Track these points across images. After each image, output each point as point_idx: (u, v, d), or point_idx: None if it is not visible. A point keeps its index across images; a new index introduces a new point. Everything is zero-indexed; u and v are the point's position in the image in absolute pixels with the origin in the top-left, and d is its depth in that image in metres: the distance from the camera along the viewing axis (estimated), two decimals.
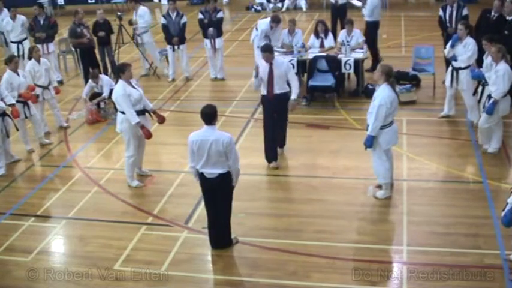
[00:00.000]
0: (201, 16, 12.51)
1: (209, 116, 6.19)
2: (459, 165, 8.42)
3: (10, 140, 9.18)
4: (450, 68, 9.56)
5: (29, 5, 14.31)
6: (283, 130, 8.91)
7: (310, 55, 11.17)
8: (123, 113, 7.83)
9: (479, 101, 8.90)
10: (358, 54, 11.07)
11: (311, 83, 10.89)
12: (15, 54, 11.57)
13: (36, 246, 6.96)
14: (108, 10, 18.85)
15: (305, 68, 11.26)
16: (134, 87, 7.91)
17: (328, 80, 10.83)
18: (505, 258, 6.14)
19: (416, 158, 8.58)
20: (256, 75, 8.36)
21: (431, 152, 8.79)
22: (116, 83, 8.20)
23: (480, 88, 8.78)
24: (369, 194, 7.66)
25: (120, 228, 7.26)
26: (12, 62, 9.40)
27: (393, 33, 15.98)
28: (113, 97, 7.95)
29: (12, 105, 8.88)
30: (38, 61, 9.95)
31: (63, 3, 22.09)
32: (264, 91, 8.51)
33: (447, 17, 11.03)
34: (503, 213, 5.83)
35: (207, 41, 12.56)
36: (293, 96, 8.46)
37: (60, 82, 12.74)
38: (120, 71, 7.89)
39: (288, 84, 8.52)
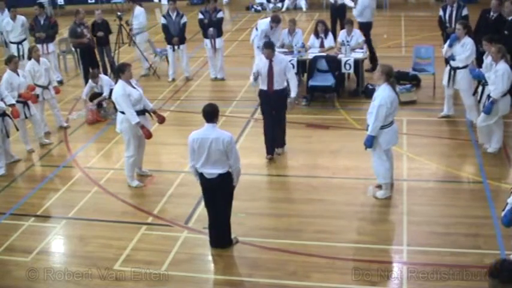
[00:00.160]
0: (201, 16, 12.51)
1: (210, 113, 6.20)
2: (459, 165, 8.42)
3: (10, 140, 9.18)
4: (448, 68, 9.57)
5: (30, 5, 14.32)
6: (283, 130, 8.94)
7: (310, 55, 11.17)
8: (123, 113, 7.83)
9: (479, 101, 8.90)
10: (358, 54, 11.07)
11: (311, 83, 10.90)
12: (15, 54, 11.55)
13: (36, 246, 6.96)
14: (108, 10, 18.88)
15: (305, 68, 11.26)
16: (134, 87, 7.91)
17: (328, 80, 10.83)
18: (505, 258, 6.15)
19: (416, 158, 8.58)
20: (255, 79, 8.54)
21: (431, 152, 8.79)
22: (116, 83, 8.19)
23: (480, 88, 8.78)
24: (369, 194, 7.66)
25: (120, 228, 7.26)
26: (11, 62, 9.40)
27: (393, 33, 15.99)
28: (113, 97, 7.95)
29: (12, 105, 8.88)
30: (38, 61, 9.95)
31: (63, 3, 22.09)
32: (263, 86, 8.61)
33: (447, 17, 11.03)
34: (503, 214, 5.82)
35: (207, 41, 12.56)
36: (292, 94, 8.60)
37: (60, 82, 12.74)
38: (119, 71, 7.89)
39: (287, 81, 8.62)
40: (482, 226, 6.78)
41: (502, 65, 8.11)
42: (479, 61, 9.60)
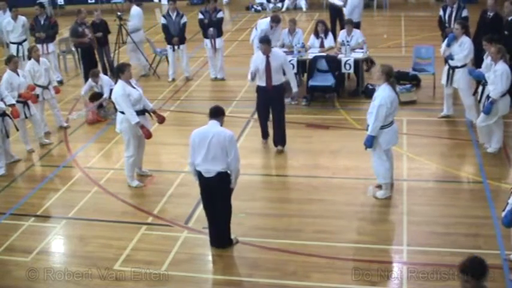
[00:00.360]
0: (201, 16, 12.51)
1: (215, 111, 6.34)
2: (459, 165, 8.43)
3: (10, 140, 9.18)
4: (446, 67, 9.58)
5: (30, 5, 14.31)
6: (282, 129, 8.99)
7: (310, 55, 11.17)
8: (122, 113, 7.84)
9: (479, 101, 8.90)
10: (358, 54, 11.07)
11: (311, 83, 10.89)
12: (15, 55, 11.54)
13: (36, 246, 6.96)
14: (108, 10, 18.89)
15: (305, 68, 11.26)
16: (134, 87, 7.91)
17: (328, 80, 10.83)
18: (505, 258, 6.15)
19: (416, 158, 8.59)
20: (253, 79, 8.79)
21: (431, 152, 8.79)
22: (116, 83, 8.19)
23: (480, 88, 8.78)
24: (369, 194, 7.66)
25: (120, 228, 7.26)
26: (11, 62, 9.40)
27: (393, 33, 15.99)
28: (113, 97, 7.95)
29: (12, 105, 8.88)
30: (38, 61, 9.95)
31: (63, 3, 22.08)
32: (261, 82, 8.73)
33: (446, 18, 11.03)
34: (503, 214, 5.83)
35: (207, 41, 12.56)
36: (294, 88, 9.03)
37: (60, 82, 12.73)
38: (119, 71, 7.90)
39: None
40: (482, 226, 6.78)
41: (501, 65, 8.12)
42: (477, 61, 9.60)
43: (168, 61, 13.08)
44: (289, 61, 10.77)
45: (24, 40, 12.94)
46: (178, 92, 12.20)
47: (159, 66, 13.47)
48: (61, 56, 14.21)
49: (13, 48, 12.81)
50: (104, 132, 10.34)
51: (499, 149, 8.57)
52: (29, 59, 10.05)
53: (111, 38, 13.00)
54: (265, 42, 8.65)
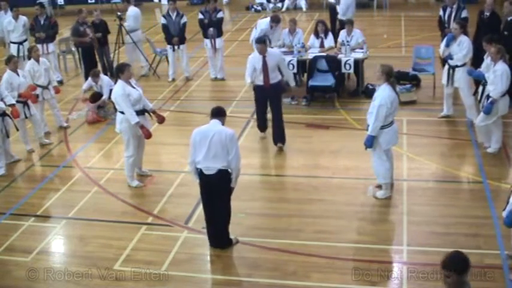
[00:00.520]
0: (201, 16, 12.51)
1: (217, 111, 6.40)
2: (459, 165, 8.43)
3: (10, 140, 9.18)
4: (446, 67, 9.58)
5: (30, 5, 14.30)
6: (281, 127, 9.10)
7: (310, 55, 11.17)
8: (122, 113, 7.84)
9: (479, 101, 8.90)
10: (358, 54, 11.07)
11: (311, 83, 10.89)
12: (16, 55, 11.54)
13: (36, 246, 6.96)
14: (108, 10, 18.87)
15: (305, 68, 11.26)
16: (133, 87, 7.91)
17: (328, 80, 10.83)
18: (506, 257, 6.14)
19: (416, 158, 8.59)
20: (252, 82, 9.06)
21: (431, 152, 8.79)
22: (116, 83, 8.19)
23: (481, 88, 8.78)
24: (369, 194, 7.66)
25: (120, 228, 7.26)
26: (11, 62, 9.39)
27: (393, 33, 15.99)
28: (112, 97, 7.95)
29: (12, 105, 8.88)
30: (37, 61, 9.95)
31: (63, 3, 22.09)
32: (258, 81, 8.93)
33: (446, 18, 11.03)
34: (505, 214, 5.82)
35: (207, 41, 12.56)
36: (292, 83, 9.51)
37: (60, 82, 12.73)
38: (119, 71, 7.90)
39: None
40: (482, 226, 6.78)
41: (501, 65, 8.12)
42: (477, 61, 9.60)
43: (168, 61, 13.08)
44: (289, 61, 10.90)
45: (25, 40, 12.94)
46: (178, 92, 12.20)
47: (159, 66, 13.47)
48: (61, 56, 14.20)
49: (14, 48, 12.81)
50: (104, 132, 10.34)
51: (498, 149, 8.57)
52: (29, 58, 10.06)
53: (111, 38, 12.99)
54: (261, 42, 8.91)
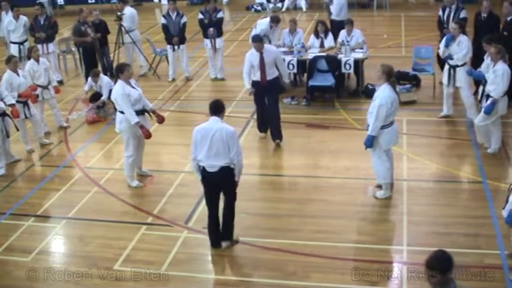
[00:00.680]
0: (201, 16, 12.51)
1: (215, 107, 6.37)
2: (459, 165, 8.43)
3: (10, 140, 9.18)
4: (447, 67, 9.58)
5: (30, 5, 14.30)
6: (277, 122, 9.23)
7: (310, 55, 11.17)
8: (122, 112, 7.84)
9: (479, 101, 8.90)
10: (358, 54, 11.07)
11: (311, 83, 10.89)
12: (16, 55, 11.53)
13: (36, 246, 6.96)
14: (108, 10, 18.88)
15: (305, 68, 11.26)
16: (133, 87, 7.91)
17: (328, 80, 10.83)
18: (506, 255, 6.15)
19: (416, 158, 8.59)
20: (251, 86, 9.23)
21: (431, 152, 8.79)
22: (115, 83, 8.19)
23: (481, 88, 8.78)
24: (369, 194, 7.66)
25: (120, 228, 7.26)
26: (11, 62, 9.39)
27: (393, 33, 15.99)
28: (112, 97, 7.95)
29: (12, 105, 8.88)
30: (37, 61, 9.95)
31: (63, 3, 22.08)
32: (256, 77, 9.10)
33: (445, 18, 11.03)
34: (506, 213, 5.82)
35: (207, 41, 12.56)
36: (285, 80, 9.58)
37: (60, 82, 12.72)
38: (119, 71, 7.90)
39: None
40: (482, 226, 6.78)
41: (501, 65, 8.12)
42: (476, 62, 9.60)
43: (168, 61, 13.08)
44: (289, 61, 10.91)
45: (26, 40, 12.94)
46: (178, 92, 12.20)
47: (159, 66, 13.47)
48: (61, 56, 14.20)
49: (14, 48, 12.80)
50: (104, 132, 10.34)
51: (498, 149, 8.57)
52: (29, 58, 10.06)
53: (111, 38, 12.98)
54: (257, 40, 9.05)
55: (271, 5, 20.23)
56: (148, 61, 13.39)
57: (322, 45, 11.60)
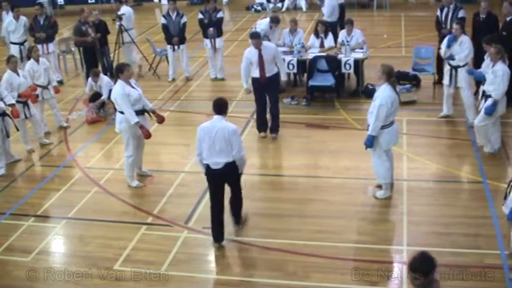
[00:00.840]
0: (201, 16, 12.51)
1: (219, 105, 6.50)
2: (459, 165, 8.43)
3: (10, 140, 9.18)
4: (448, 67, 9.57)
5: (30, 5, 14.29)
6: (276, 115, 9.40)
7: (310, 55, 11.17)
8: (122, 112, 7.84)
9: (480, 101, 8.90)
10: (358, 54, 11.07)
11: (311, 83, 10.89)
12: (17, 55, 11.53)
13: (36, 246, 6.96)
14: (108, 10, 18.87)
15: (305, 68, 11.27)
16: (133, 87, 7.91)
17: (328, 80, 10.83)
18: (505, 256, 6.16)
19: (416, 158, 8.59)
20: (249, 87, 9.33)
21: (431, 152, 8.79)
22: (115, 83, 8.19)
23: (481, 88, 8.77)
24: (369, 194, 7.66)
25: (120, 228, 7.26)
26: (10, 62, 9.39)
27: (393, 33, 16.00)
28: (112, 97, 7.95)
29: (12, 105, 8.88)
30: (37, 61, 9.95)
31: (63, 3, 22.09)
32: (255, 74, 9.15)
33: (443, 18, 11.03)
34: (507, 210, 5.81)
35: (207, 41, 12.56)
36: (283, 77, 9.56)
37: (60, 82, 12.72)
38: (119, 71, 7.90)
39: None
40: (482, 226, 6.78)
41: (501, 66, 8.11)
42: (476, 62, 9.60)
43: (168, 61, 13.08)
44: (289, 61, 10.90)
45: (25, 41, 12.93)
46: (178, 92, 12.20)
47: (159, 66, 13.47)
48: (61, 56, 14.20)
49: (15, 49, 12.77)
50: (104, 132, 10.33)
51: (498, 149, 8.57)
52: (28, 58, 10.06)
53: (111, 38, 12.98)
54: (255, 37, 9.08)
55: (271, 5, 20.23)
56: (148, 61, 13.38)
57: (322, 45, 11.60)
